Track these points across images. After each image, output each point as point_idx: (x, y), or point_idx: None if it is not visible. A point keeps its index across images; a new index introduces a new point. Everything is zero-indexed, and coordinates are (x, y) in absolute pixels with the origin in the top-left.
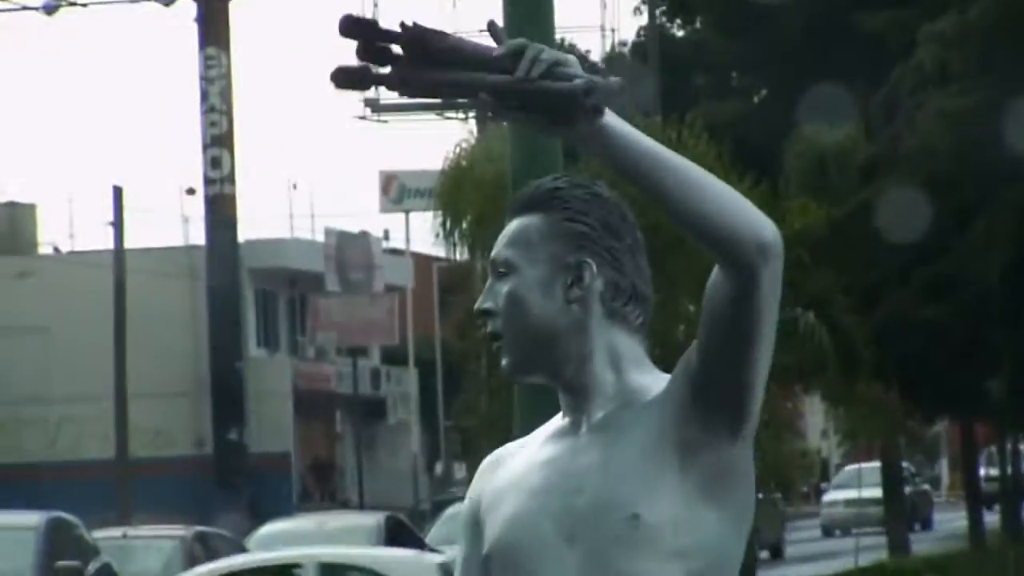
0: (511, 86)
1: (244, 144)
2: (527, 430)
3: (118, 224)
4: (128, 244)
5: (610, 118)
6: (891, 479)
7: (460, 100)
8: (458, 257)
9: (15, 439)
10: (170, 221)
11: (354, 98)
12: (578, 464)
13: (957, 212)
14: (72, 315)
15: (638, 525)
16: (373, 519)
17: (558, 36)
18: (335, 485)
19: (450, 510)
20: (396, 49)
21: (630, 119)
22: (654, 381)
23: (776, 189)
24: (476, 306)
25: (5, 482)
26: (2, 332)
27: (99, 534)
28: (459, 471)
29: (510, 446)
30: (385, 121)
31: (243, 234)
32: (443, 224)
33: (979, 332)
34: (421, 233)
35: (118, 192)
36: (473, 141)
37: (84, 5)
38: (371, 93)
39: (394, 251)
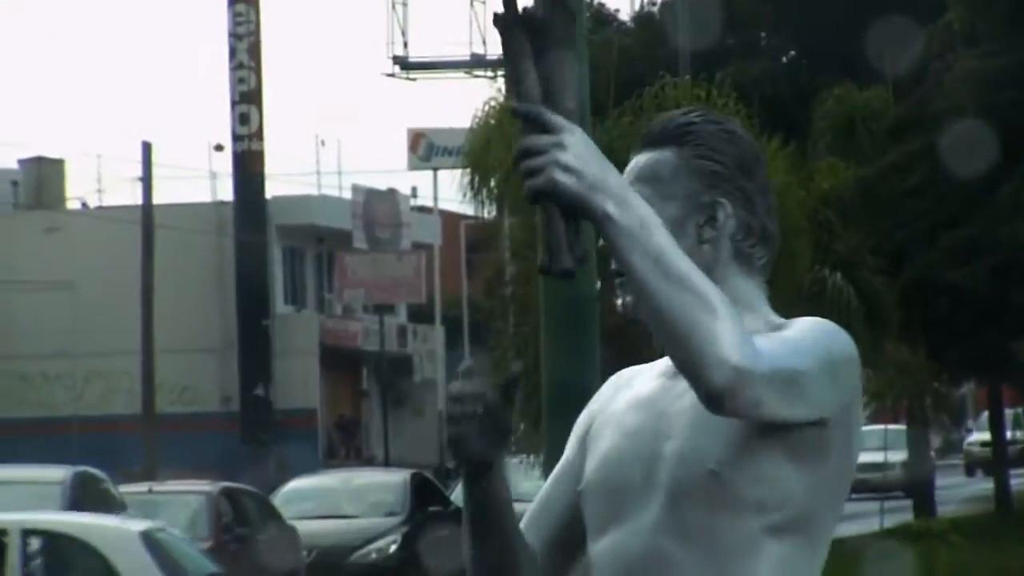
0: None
1: (273, 101)
2: (553, 389)
3: (146, 180)
4: (156, 200)
5: (623, 218)
6: (918, 441)
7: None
8: (486, 215)
9: (42, 394)
10: (198, 177)
11: (382, 55)
12: (674, 408)
13: (985, 174)
14: (99, 271)
15: (717, 481)
16: (399, 476)
17: None
18: (360, 442)
19: None
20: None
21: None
22: (763, 330)
23: (804, 150)
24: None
25: (33, 436)
26: (30, 287)
27: (125, 489)
28: None
29: (643, 367)
30: (414, 79)
31: (271, 191)
32: (471, 182)
33: (1006, 294)
34: (449, 191)
35: (147, 148)
36: (501, 99)
37: None
38: (399, 50)
39: (422, 209)
